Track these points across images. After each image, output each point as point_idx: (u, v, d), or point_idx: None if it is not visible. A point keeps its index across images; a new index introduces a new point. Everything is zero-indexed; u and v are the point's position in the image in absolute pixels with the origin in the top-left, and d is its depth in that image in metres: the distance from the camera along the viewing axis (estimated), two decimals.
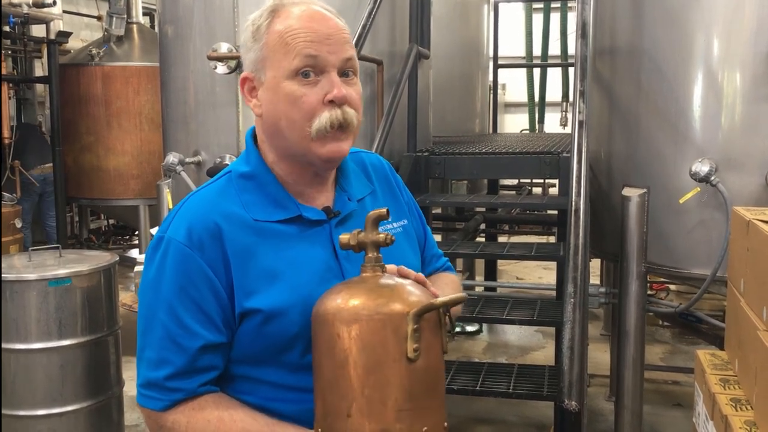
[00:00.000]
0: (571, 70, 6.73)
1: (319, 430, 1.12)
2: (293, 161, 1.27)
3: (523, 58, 9.38)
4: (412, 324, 1.07)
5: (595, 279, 5.70)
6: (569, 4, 8.96)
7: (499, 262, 6.76)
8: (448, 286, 1.44)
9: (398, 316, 1.08)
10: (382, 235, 1.17)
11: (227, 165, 3.35)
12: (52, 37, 6.87)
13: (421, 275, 1.20)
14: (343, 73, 1.24)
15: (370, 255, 1.17)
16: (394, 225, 1.39)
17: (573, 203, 2.95)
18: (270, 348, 1.23)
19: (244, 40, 1.29)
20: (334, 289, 1.15)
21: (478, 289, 5.96)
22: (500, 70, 7.12)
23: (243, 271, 1.21)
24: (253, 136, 1.34)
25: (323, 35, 1.22)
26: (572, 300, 2.63)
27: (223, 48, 3.46)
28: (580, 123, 3.15)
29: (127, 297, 5.37)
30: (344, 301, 1.11)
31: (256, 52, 1.25)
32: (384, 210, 1.18)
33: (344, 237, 1.18)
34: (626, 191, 3.41)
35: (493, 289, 6.02)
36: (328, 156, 1.24)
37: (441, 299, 1.11)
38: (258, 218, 1.25)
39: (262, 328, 1.21)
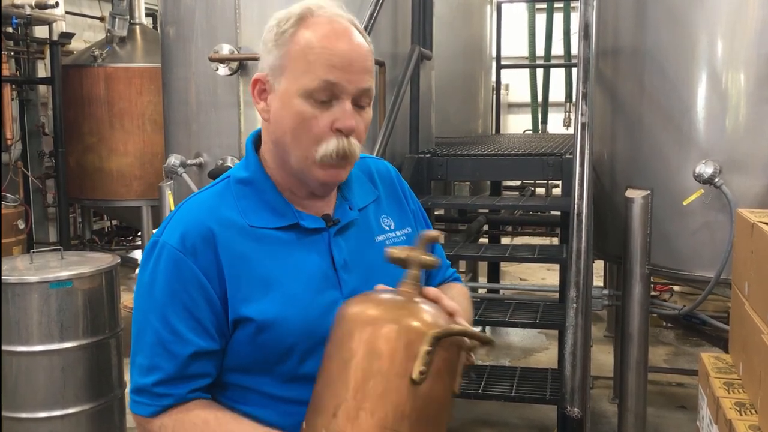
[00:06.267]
0: (574, 70, 6.71)
1: (303, 425, 1.09)
2: (291, 174, 1.26)
3: (526, 58, 9.36)
4: (426, 345, 1.02)
5: (598, 281, 5.68)
6: (572, 5, 8.94)
7: (502, 263, 6.75)
8: (461, 296, 1.41)
9: (414, 332, 1.04)
10: (431, 258, 1.15)
11: (229, 167, 3.36)
12: (55, 38, 6.86)
13: (452, 304, 1.15)
14: (357, 102, 1.21)
15: (412, 272, 1.14)
16: (398, 233, 1.36)
17: (576, 207, 2.93)
18: (263, 358, 1.21)
19: (265, 39, 1.24)
20: (366, 295, 1.14)
21: (481, 291, 5.95)
22: (503, 71, 7.11)
23: (237, 278, 1.19)
24: (254, 141, 1.32)
25: (347, 61, 1.18)
26: (575, 305, 2.62)
27: (225, 49, 3.45)
28: (583, 125, 3.14)
29: (129, 299, 5.37)
30: (368, 306, 1.09)
31: (276, 57, 1.21)
32: (438, 234, 1.17)
33: (394, 250, 1.17)
34: (629, 193, 3.39)
35: (496, 290, 6.01)
36: (325, 180, 1.23)
37: (461, 327, 1.07)
38: (254, 225, 1.23)
39: (256, 338, 1.20)
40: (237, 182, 1.27)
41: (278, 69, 1.20)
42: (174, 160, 3.63)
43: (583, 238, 2.84)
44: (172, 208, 3.86)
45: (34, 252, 3.55)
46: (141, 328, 1.21)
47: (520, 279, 7.53)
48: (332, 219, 1.28)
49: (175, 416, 1.19)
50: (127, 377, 3.60)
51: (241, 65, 3.44)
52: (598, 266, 5.62)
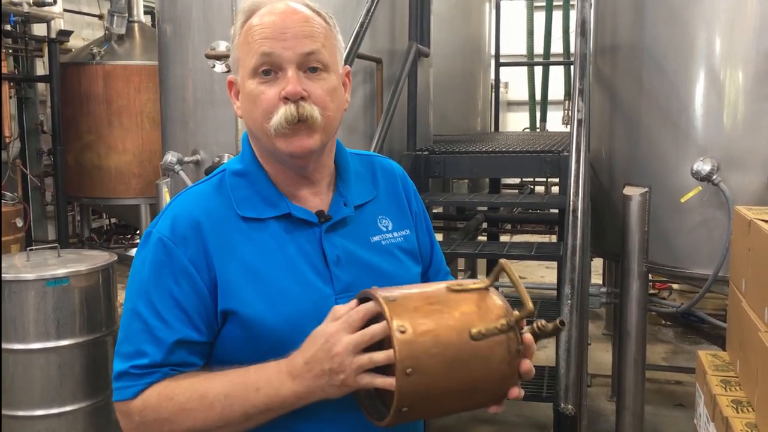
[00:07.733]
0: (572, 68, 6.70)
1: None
2: (274, 161, 1.26)
3: (525, 56, 9.35)
4: (504, 319, 1.10)
5: (597, 278, 5.68)
6: (571, 2, 8.93)
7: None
8: None
9: (500, 307, 1.13)
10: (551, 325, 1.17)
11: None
12: (53, 35, 6.85)
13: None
14: (310, 68, 1.20)
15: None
16: (395, 234, 1.35)
17: (571, 203, 2.92)
18: (255, 352, 1.19)
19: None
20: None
21: None
22: (502, 69, 7.09)
23: (226, 270, 1.19)
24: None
25: (279, 30, 1.19)
26: (569, 302, 2.60)
27: (221, 46, 3.44)
28: (579, 122, 3.12)
29: None
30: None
31: (232, 53, 1.27)
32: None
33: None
34: (627, 190, 3.39)
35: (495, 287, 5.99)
36: (291, 151, 1.21)
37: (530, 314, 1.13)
38: (247, 215, 1.23)
39: (245, 331, 1.19)
40: (232, 174, 1.28)
41: (235, 63, 1.26)
42: (171, 157, 3.62)
43: (579, 235, 2.82)
44: None
45: (31, 250, 3.54)
46: (129, 318, 1.21)
47: (519, 277, 7.52)
48: (325, 215, 1.27)
49: (159, 387, 1.17)
50: None
51: None
52: (597, 264, 5.62)
